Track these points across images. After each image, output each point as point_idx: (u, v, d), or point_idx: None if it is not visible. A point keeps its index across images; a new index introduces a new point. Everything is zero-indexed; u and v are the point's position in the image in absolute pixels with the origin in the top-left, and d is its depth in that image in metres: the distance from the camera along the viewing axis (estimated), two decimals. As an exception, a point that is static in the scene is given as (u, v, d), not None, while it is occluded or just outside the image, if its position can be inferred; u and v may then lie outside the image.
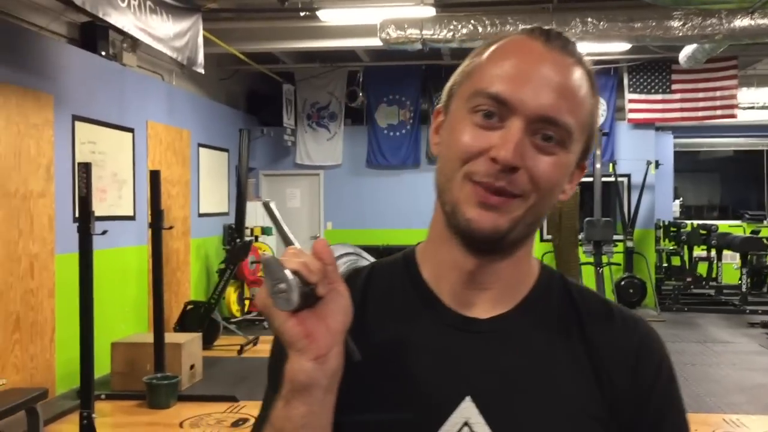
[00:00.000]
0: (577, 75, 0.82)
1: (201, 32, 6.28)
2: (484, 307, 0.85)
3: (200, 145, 8.48)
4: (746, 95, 9.62)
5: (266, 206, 0.79)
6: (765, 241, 9.56)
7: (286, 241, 0.76)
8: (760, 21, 6.02)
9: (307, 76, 10.15)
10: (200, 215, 8.45)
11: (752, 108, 9.95)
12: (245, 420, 5.06)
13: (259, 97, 10.39)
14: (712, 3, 6.03)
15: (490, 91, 0.79)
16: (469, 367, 0.82)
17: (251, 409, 5.28)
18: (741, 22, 6.11)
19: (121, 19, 4.96)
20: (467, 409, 0.80)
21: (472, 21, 6.50)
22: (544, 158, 0.79)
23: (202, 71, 6.41)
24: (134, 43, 6.73)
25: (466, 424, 0.80)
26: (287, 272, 0.69)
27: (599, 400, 0.82)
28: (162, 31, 5.58)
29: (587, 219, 8.80)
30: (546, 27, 0.84)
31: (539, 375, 0.82)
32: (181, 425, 4.98)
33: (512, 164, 0.77)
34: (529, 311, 0.86)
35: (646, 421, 0.84)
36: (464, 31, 6.49)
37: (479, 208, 0.79)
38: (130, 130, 6.86)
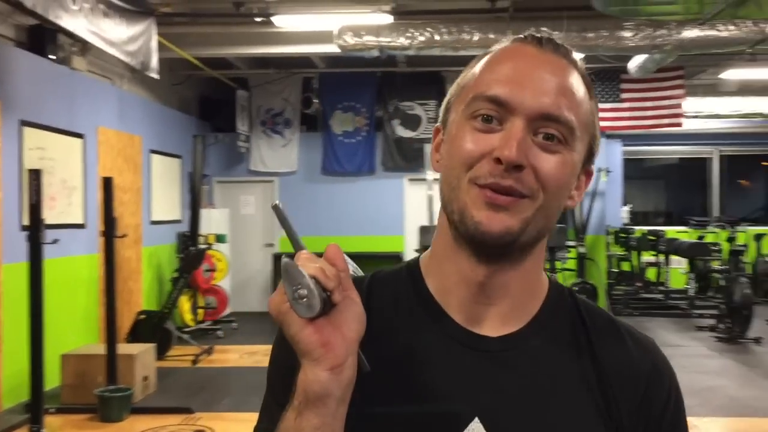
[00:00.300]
0: (574, 76, 0.82)
1: (155, 36, 6.17)
2: (494, 323, 0.83)
3: (152, 151, 8.31)
4: (691, 104, 9.88)
5: (276, 209, 0.74)
6: (710, 246, 9.83)
7: (297, 246, 0.73)
8: (709, 32, 6.20)
9: (262, 82, 10.06)
10: (152, 223, 8.28)
11: (696, 117, 10.24)
12: (202, 432, 4.97)
13: (212, 103, 10.24)
14: (661, 14, 6.19)
15: (489, 94, 0.78)
16: (479, 387, 0.80)
17: (207, 420, 5.18)
18: (690, 33, 6.28)
19: (73, 23, 4.83)
20: (476, 431, 0.78)
21: (429, 29, 6.53)
22: (548, 156, 0.78)
23: (157, 76, 6.29)
24: (84, 47, 6.56)
25: None
26: (308, 277, 0.67)
27: (608, 422, 0.81)
28: (115, 35, 5.46)
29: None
30: (538, 34, 0.83)
31: (549, 397, 0.81)
32: (135, 438, 4.86)
33: (516, 162, 0.75)
34: (539, 330, 0.85)
35: None
36: (421, 38, 6.52)
37: (488, 209, 0.77)
38: (80, 135, 6.68)
